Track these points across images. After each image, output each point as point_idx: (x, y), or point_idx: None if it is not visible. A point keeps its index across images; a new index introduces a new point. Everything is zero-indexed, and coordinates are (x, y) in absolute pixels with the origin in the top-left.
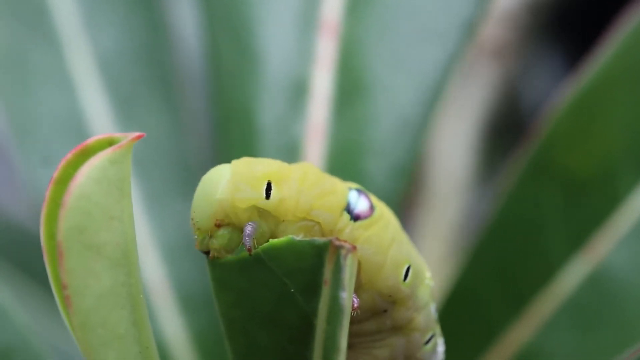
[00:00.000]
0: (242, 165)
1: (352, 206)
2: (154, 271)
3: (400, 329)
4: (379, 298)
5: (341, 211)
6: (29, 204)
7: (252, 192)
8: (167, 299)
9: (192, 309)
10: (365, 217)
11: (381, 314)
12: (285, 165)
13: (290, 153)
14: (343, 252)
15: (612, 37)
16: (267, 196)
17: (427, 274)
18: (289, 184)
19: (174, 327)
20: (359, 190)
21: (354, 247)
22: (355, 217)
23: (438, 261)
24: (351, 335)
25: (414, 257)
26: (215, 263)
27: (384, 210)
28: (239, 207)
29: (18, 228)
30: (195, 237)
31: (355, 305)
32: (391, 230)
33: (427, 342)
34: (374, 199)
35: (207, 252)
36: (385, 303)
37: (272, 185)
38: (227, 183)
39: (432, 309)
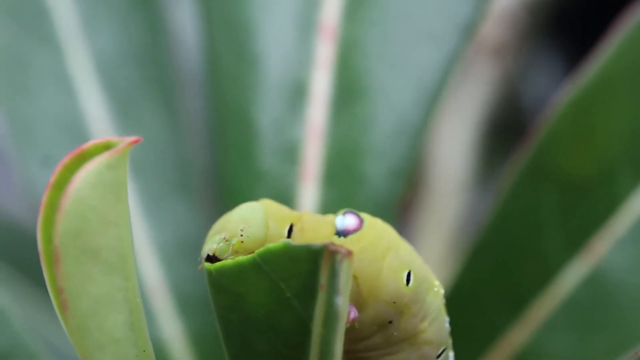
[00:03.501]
0: (272, 205)
1: (339, 229)
2: (151, 273)
3: (410, 341)
4: (383, 307)
5: (332, 237)
6: (27, 205)
7: (279, 230)
8: (165, 302)
9: (190, 311)
10: (355, 230)
11: (387, 325)
12: (295, 212)
13: (289, 155)
14: (338, 257)
15: (611, 37)
16: (289, 236)
17: (436, 282)
18: (299, 227)
19: (171, 329)
20: (345, 213)
21: (350, 253)
22: (345, 234)
23: (438, 262)
24: (359, 350)
25: (416, 264)
26: (212, 267)
27: (377, 223)
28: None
29: (17, 229)
30: (220, 243)
31: (352, 316)
32: (386, 240)
33: (439, 356)
34: (368, 216)
35: (212, 260)
36: (390, 313)
37: (293, 227)
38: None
39: (446, 323)
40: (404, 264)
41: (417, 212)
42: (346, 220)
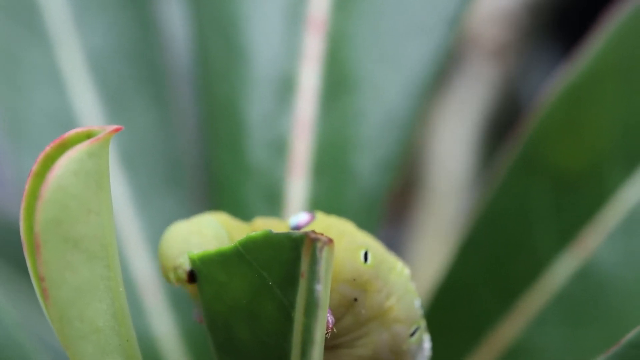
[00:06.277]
0: (226, 218)
1: (292, 225)
2: (142, 269)
3: (379, 320)
4: (345, 287)
5: None
6: (21, 202)
7: None
8: (156, 297)
9: (182, 305)
10: (307, 223)
11: (353, 304)
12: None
13: (278, 149)
14: (319, 244)
15: (600, 31)
16: None
17: (399, 263)
18: None
19: (163, 323)
20: (298, 214)
21: (331, 240)
22: (298, 229)
23: (437, 261)
24: (332, 337)
25: (374, 245)
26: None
27: (330, 217)
28: None
29: (11, 226)
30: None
31: (331, 323)
32: (338, 227)
33: (412, 334)
34: (322, 213)
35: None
36: (352, 291)
37: None
38: None
39: (417, 303)
40: (360, 245)
41: (415, 212)
42: (299, 217)
